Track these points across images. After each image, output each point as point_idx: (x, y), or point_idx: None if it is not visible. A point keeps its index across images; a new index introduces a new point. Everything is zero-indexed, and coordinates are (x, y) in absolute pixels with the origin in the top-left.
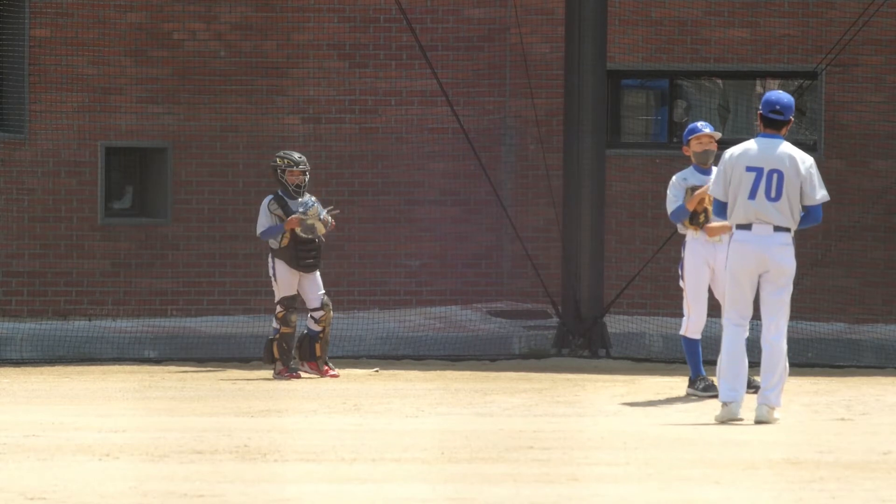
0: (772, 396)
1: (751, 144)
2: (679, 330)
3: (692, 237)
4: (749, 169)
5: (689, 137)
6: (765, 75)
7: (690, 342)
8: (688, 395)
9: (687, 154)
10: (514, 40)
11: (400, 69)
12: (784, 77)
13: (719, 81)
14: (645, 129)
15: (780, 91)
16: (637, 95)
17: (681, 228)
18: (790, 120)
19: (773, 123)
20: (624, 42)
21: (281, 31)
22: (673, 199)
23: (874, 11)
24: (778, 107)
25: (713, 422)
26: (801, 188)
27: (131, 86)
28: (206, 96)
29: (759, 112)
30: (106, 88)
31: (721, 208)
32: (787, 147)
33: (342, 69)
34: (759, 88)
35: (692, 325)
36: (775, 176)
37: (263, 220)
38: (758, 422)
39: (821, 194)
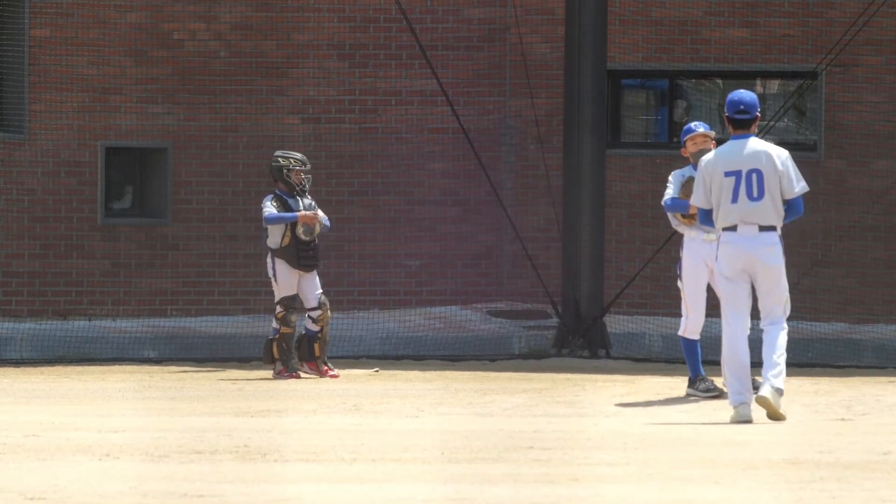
0: (774, 381)
1: (724, 149)
2: (678, 330)
3: (690, 237)
4: (728, 174)
5: (685, 138)
6: (765, 75)
7: (689, 342)
8: (688, 395)
9: (685, 156)
10: (514, 40)
11: (400, 69)
12: (784, 77)
13: (719, 81)
14: (645, 129)
15: (742, 90)
16: (637, 95)
17: (674, 224)
18: (757, 116)
19: (741, 123)
20: (624, 42)
21: (281, 31)
22: (670, 188)
23: (874, 11)
24: (742, 106)
25: (714, 422)
26: (780, 183)
27: (131, 86)
28: (206, 96)
29: (725, 116)
30: (106, 88)
31: (706, 216)
32: (759, 144)
33: (342, 69)
34: (759, 88)
35: (691, 325)
36: (754, 176)
37: (270, 209)
38: (759, 399)
39: (800, 186)
